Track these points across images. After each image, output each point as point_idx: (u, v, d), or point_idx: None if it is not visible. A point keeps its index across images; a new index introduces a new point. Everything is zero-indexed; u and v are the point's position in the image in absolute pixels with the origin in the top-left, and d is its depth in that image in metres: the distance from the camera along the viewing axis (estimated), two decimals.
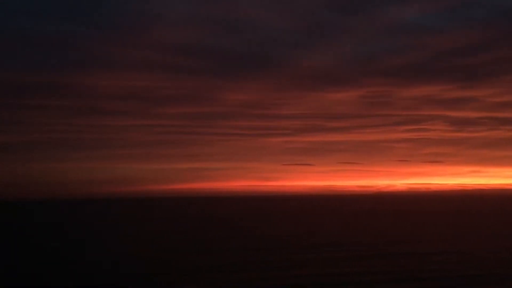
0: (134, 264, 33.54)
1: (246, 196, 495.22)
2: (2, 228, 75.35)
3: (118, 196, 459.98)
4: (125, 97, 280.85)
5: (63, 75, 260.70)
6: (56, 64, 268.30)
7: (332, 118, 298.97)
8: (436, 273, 28.62)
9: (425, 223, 71.97)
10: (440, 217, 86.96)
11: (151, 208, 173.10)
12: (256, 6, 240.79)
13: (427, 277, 27.24)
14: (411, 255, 35.83)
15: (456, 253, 37.20)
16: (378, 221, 77.37)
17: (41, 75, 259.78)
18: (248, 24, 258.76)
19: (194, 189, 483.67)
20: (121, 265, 33.17)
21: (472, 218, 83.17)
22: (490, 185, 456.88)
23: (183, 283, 26.37)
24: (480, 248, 40.18)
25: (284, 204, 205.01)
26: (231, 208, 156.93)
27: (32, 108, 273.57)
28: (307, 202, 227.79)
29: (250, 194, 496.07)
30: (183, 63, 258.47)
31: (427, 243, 44.09)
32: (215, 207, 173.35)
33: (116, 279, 27.81)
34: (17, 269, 32.14)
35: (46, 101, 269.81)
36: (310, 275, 28.13)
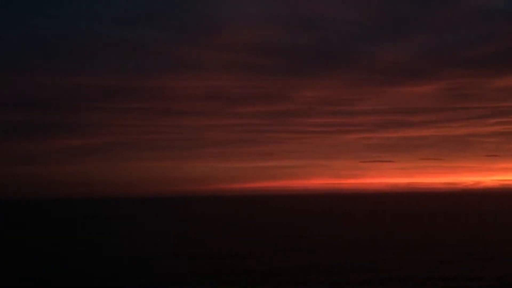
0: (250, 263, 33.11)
1: (324, 194, 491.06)
2: (97, 223, 76.79)
3: (198, 194, 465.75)
4: (202, 97, 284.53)
5: (143, 79, 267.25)
6: (137, 68, 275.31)
7: (412, 112, 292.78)
8: None
9: None
10: None
11: (235, 206, 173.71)
12: (327, 2, 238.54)
13: None
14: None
15: None
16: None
17: (124, 79, 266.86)
18: (320, 21, 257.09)
19: (270, 187, 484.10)
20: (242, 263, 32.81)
21: None
22: None
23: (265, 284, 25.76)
24: None
25: (370, 202, 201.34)
26: (320, 206, 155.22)
27: (121, 111, 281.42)
28: (391, 201, 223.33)
29: (327, 192, 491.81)
30: (257, 62, 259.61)
31: None
32: (310, 205, 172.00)
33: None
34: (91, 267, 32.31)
35: (129, 104, 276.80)
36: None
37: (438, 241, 46.29)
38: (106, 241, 51.09)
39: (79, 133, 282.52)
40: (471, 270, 30.11)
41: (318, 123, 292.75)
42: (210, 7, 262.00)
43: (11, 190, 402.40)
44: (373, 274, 28.98)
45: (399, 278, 27.64)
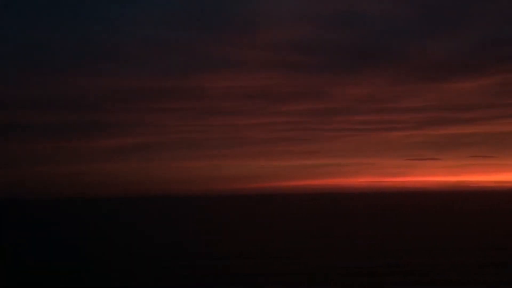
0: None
1: (369, 193, 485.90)
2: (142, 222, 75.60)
3: (244, 192, 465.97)
4: (243, 96, 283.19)
5: (183, 79, 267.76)
6: (177, 68, 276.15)
7: (460, 109, 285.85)
8: None
9: None
10: None
11: (283, 204, 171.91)
12: None
13: None
14: None
15: None
16: None
17: (164, 79, 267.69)
18: (363, 16, 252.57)
19: (314, 186, 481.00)
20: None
21: None
22: None
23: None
24: None
25: (420, 200, 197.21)
26: (368, 204, 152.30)
27: (161, 111, 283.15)
28: (442, 199, 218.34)
29: (372, 190, 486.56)
30: (298, 60, 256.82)
31: None
32: (357, 204, 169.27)
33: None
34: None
35: (170, 104, 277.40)
36: None
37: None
38: (148, 241, 49.08)
39: (120, 133, 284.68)
40: None
41: (363, 121, 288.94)
42: (250, 6, 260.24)
43: (53, 189, 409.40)
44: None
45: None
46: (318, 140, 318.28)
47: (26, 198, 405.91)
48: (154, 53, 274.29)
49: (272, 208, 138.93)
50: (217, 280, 26.46)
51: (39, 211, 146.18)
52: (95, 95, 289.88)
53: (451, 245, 39.96)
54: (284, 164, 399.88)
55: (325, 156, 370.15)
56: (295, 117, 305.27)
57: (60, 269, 30.86)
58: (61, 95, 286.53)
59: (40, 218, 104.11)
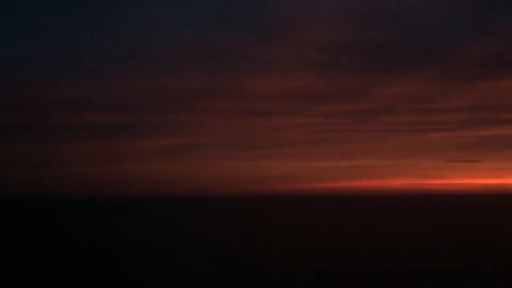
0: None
1: (408, 195, 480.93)
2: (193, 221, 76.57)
3: (281, 194, 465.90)
4: (282, 97, 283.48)
5: (225, 80, 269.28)
6: (218, 69, 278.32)
7: (503, 109, 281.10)
8: None
9: None
10: None
11: (333, 205, 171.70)
12: None
13: None
14: None
15: None
16: None
17: (207, 80, 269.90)
18: (402, 14, 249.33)
19: (352, 187, 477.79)
20: None
21: None
22: None
23: None
24: None
25: (467, 203, 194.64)
26: (413, 206, 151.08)
27: (202, 112, 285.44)
28: (486, 202, 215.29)
29: (411, 192, 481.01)
30: (337, 60, 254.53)
31: None
32: (400, 205, 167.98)
33: None
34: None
35: (212, 105, 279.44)
36: None
37: None
38: (201, 240, 49.74)
39: (165, 133, 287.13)
40: None
41: (402, 121, 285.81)
42: (289, 5, 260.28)
43: (101, 188, 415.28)
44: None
45: None
46: (357, 141, 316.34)
47: (73, 197, 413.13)
48: (195, 55, 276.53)
49: (324, 209, 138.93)
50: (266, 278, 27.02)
51: (97, 209, 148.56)
52: (138, 96, 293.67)
53: None
54: (323, 165, 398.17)
55: (364, 157, 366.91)
56: (334, 117, 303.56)
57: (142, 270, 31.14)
58: (109, 97, 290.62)
59: (99, 215, 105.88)
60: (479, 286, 24.80)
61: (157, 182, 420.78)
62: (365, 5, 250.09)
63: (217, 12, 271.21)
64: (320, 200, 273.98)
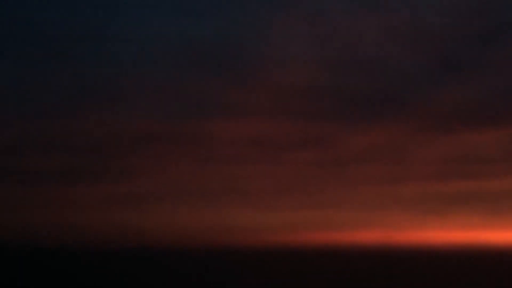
0: None
1: (378, 248, 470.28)
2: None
3: (245, 245, 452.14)
4: (249, 143, 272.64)
5: (187, 123, 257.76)
6: (180, 112, 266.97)
7: (480, 161, 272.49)
8: None
9: None
10: None
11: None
12: (380, 44, 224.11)
13: None
14: None
15: None
16: None
17: (167, 123, 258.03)
18: (374, 63, 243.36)
19: (320, 239, 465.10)
20: None
21: None
22: None
23: None
24: None
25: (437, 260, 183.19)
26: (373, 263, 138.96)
27: (163, 156, 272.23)
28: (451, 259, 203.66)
29: (382, 247, 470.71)
30: (306, 106, 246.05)
31: None
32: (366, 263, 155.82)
33: None
34: None
35: (175, 149, 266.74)
36: None
37: None
38: None
39: (118, 179, 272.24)
40: None
41: (371, 172, 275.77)
42: (258, 50, 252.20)
43: (53, 238, 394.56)
44: None
45: None
46: (324, 190, 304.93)
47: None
48: (165, 96, 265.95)
49: (289, 264, 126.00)
50: None
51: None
52: (91, 138, 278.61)
53: None
54: (289, 215, 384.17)
55: (333, 207, 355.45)
56: (302, 166, 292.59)
57: None
58: (58, 141, 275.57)
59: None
60: None
61: (106, 233, 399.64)
62: (338, 51, 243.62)
63: (183, 53, 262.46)
64: (286, 253, 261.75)
